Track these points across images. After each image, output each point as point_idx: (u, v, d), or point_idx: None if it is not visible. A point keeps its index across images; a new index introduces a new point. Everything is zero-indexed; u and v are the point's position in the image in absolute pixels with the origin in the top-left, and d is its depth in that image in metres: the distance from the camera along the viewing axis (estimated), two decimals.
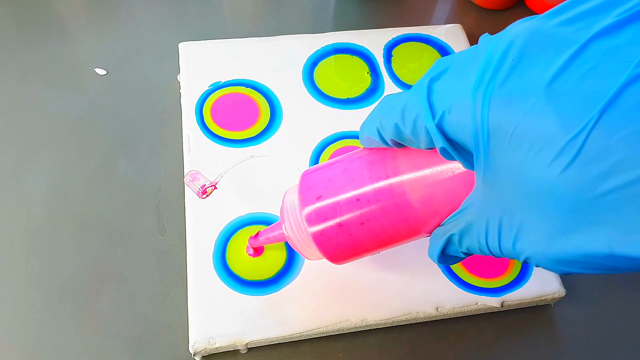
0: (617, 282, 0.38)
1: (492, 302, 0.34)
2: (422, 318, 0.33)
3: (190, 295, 0.32)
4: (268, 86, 0.41)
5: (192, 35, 0.45)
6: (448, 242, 0.24)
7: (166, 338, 0.33)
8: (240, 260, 0.34)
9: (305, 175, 0.28)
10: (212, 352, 0.32)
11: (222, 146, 0.38)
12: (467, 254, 0.24)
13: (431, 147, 0.21)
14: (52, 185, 0.38)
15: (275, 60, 0.42)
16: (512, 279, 0.34)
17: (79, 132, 0.40)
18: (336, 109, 0.40)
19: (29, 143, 0.40)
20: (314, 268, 0.34)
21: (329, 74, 0.42)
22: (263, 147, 0.38)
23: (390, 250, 0.34)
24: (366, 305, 0.33)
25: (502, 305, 0.34)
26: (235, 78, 0.41)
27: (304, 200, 0.27)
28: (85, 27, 0.46)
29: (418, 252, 0.35)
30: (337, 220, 0.26)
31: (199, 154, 0.37)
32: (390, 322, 0.33)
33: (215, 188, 0.34)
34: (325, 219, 0.26)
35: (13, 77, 0.43)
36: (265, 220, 0.35)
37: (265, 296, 0.33)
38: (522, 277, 0.34)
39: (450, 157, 0.21)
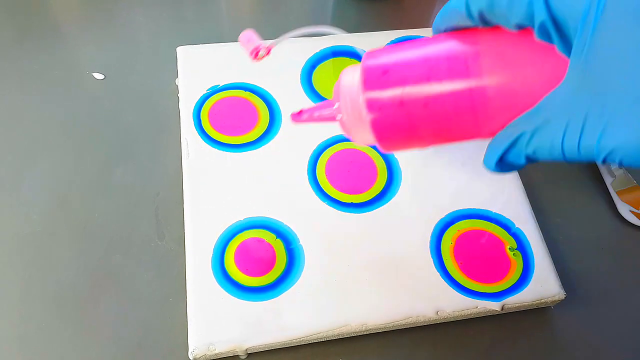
0: (617, 285, 0.38)
1: (492, 305, 0.33)
2: (422, 322, 0.33)
3: (190, 301, 0.32)
4: (267, 89, 0.41)
5: (190, 39, 0.45)
6: (513, 143, 0.22)
7: (166, 344, 0.33)
8: (240, 264, 0.34)
9: (371, 52, 0.25)
10: (211, 358, 0.32)
11: (221, 151, 0.38)
12: (529, 160, 0.22)
13: (522, 26, 0.20)
14: (51, 191, 0.38)
15: (274, 63, 0.42)
16: (512, 284, 0.34)
17: (77, 137, 0.40)
18: None
19: (26, 149, 0.40)
20: (314, 273, 0.34)
21: (327, 78, 0.42)
22: (262, 151, 0.38)
23: (391, 254, 0.34)
24: (366, 310, 0.33)
25: (502, 309, 0.34)
26: (233, 82, 0.41)
27: (367, 73, 0.24)
28: (83, 32, 0.46)
29: (423, 257, 0.35)
30: (400, 93, 0.23)
31: (198, 158, 0.37)
32: (391, 326, 0.33)
33: (269, 54, 0.31)
34: (388, 95, 0.23)
35: (11, 83, 0.43)
36: (265, 225, 0.35)
37: (264, 302, 0.33)
38: (522, 281, 0.34)
39: (546, 38, 0.19)
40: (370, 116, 0.24)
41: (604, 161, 0.20)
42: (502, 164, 0.23)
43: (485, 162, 0.24)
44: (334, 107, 0.27)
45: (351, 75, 0.25)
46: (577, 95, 0.20)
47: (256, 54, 0.31)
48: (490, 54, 0.22)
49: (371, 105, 0.24)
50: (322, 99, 0.41)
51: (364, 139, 0.26)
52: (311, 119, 0.29)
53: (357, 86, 0.24)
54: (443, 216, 0.36)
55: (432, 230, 0.36)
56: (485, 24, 0.22)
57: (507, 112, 0.22)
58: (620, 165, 0.19)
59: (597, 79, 0.19)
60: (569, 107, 0.20)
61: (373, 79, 0.24)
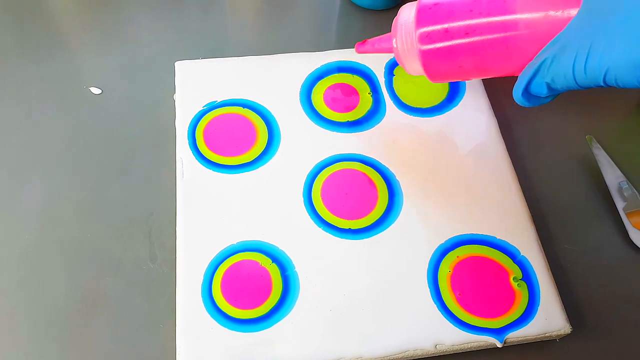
0: (627, 316, 0.36)
1: (493, 340, 0.32)
2: (419, 355, 0.32)
3: (179, 330, 0.31)
4: (266, 107, 0.40)
5: (191, 53, 0.44)
6: (536, 71, 0.27)
7: None
8: (228, 292, 0.33)
9: None
10: None
11: (216, 172, 0.37)
12: (550, 90, 0.27)
13: None
14: (43, 209, 0.37)
15: (274, 79, 0.41)
16: (515, 318, 0.33)
17: (72, 153, 0.40)
18: (336, 132, 0.39)
19: (19, 165, 0.39)
20: (309, 302, 0.33)
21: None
22: (259, 172, 0.37)
23: (388, 283, 0.33)
24: (362, 342, 0.32)
25: (504, 342, 0.32)
26: (231, 98, 0.40)
27: (421, 9, 0.30)
28: (82, 46, 0.46)
29: (420, 286, 0.33)
30: (446, 25, 0.29)
31: (193, 179, 0.36)
32: (387, 359, 0.32)
33: None
34: (436, 22, 0.29)
35: (6, 96, 0.42)
36: (260, 249, 0.34)
37: (256, 332, 0.31)
38: (526, 315, 0.33)
39: None
40: (420, 46, 0.30)
41: (605, 83, 0.24)
42: (528, 95, 0.28)
43: (514, 93, 0.29)
44: (393, 41, 0.33)
45: (407, 11, 0.32)
46: (587, 23, 0.24)
47: None
48: None
49: (422, 36, 0.30)
50: (322, 119, 0.40)
51: (414, 68, 0.33)
52: (372, 49, 0.35)
53: (412, 21, 0.31)
54: (442, 242, 0.35)
55: (429, 258, 0.34)
56: None
57: (534, 45, 0.27)
58: (617, 85, 0.24)
59: (602, 7, 0.23)
60: (580, 35, 0.24)
61: (425, 13, 0.30)
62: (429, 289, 0.33)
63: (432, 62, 0.30)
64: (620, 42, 0.23)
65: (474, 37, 0.28)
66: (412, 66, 0.33)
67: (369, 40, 0.35)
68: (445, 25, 0.29)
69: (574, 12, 0.25)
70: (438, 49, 0.30)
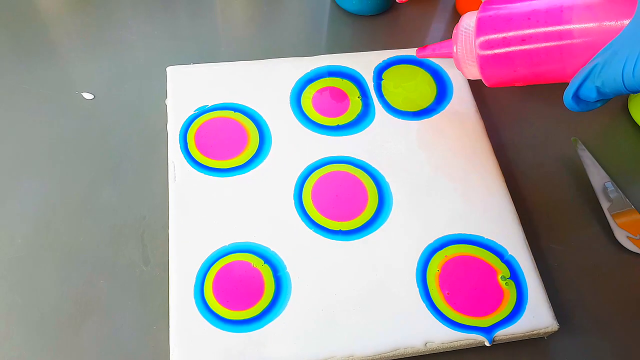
0: (613, 314, 0.37)
1: (482, 339, 0.33)
2: (410, 353, 0.33)
3: (172, 330, 0.32)
4: (257, 110, 0.40)
5: (182, 59, 0.45)
6: (587, 75, 0.28)
7: None
8: (220, 294, 0.33)
9: (485, 3, 0.33)
10: None
11: (207, 175, 0.37)
12: (598, 96, 0.29)
13: None
14: (35, 213, 0.37)
15: (264, 84, 0.42)
16: (504, 316, 0.33)
17: (64, 158, 0.40)
18: (326, 136, 0.40)
19: (11, 169, 0.39)
20: (301, 302, 0.33)
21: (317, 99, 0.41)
22: (250, 175, 0.38)
23: (378, 282, 0.33)
24: (353, 341, 0.32)
25: (493, 341, 0.33)
26: (222, 102, 0.41)
27: (481, 18, 0.32)
28: (74, 51, 0.46)
29: (409, 286, 0.34)
30: (504, 33, 0.31)
31: (185, 182, 0.37)
32: (378, 358, 0.32)
33: None
34: (495, 30, 0.31)
35: (0, 100, 0.42)
36: (253, 250, 0.35)
37: (249, 333, 0.32)
38: (514, 314, 0.33)
39: None
40: (479, 51, 0.32)
41: None
42: (578, 99, 0.30)
43: (565, 97, 0.30)
44: (453, 47, 0.35)
45: (468, 19, 0.33)
46: (638, 30, 0.26)
47: None
48: (580, 6, 0.29)
49: (481, 43, 0.32)
50: (311, 121, 0.40)
51: (472, 73, 0.34)
52: (433, 54, 0.37)
53: (472, 29, 0.32)
54: (431, 242, 0.36)
55: (418, 257, 0.35)
56: None
57: (587, 52, 0.29)
58: None
59: None
60: (632, 42, 0.26)
61: (485, 22, 0.32)
62: (417, 289, 0.34)
63: (489, 67, 0.32)
64: None
65: (530, 44, 0.30)
66: (470, 70, 0.34)
67: (430, 45, 0.37)
68: (504, 34, 0.31)
69: (626, 21, 0.27)
70: (495, 54, 0.32)
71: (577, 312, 0.36)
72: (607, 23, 0.28)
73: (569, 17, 0.29)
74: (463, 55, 0.34)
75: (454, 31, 0.35)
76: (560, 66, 0.30)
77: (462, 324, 0.33)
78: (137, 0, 0.50)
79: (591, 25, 0.28)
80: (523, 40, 0.30)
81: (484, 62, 0.33)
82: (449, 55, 0.36)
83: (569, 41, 0.29)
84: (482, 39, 0.32)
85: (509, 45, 0.31)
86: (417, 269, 0.34)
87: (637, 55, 0.26)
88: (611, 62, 0.27)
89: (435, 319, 0.33)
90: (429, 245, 0.35)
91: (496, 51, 0.32)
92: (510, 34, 0.31)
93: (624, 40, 0.27)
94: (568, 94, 0.30)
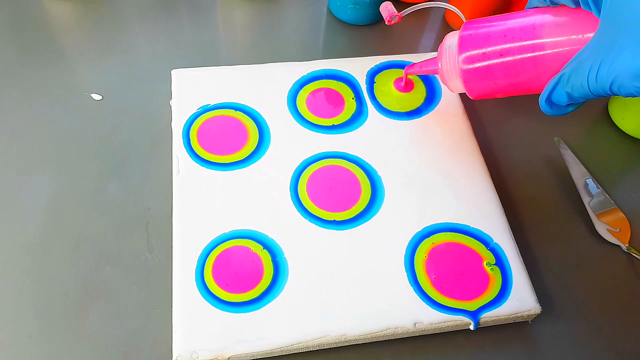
0: (593, 300, 0.38)
1: (468, 320, 0.34)
2: (400, 334, 0.34)
3: (175, 311, 0.34)
4: (256, 109, 0.43)
5: (186, 62, 0.47)
6: (558, 81, 0.31)
7: (151, 353, 0.34)
8: (221, 276, 0.35)
9: (467, 23, 0.36)
10: None
11: (208, 169, 0.39)
12: (569, 100, 0.32)
13: (577, 5, 0.31)
14: (46, 204, 0.39)
15: (264, 85, 0.44)
16: (489, 300, 0.35)
17: (73, 153, 0.42)
18: (322, 134, 0.42)
19: (24, 163, 0.41)
20: (297, 285, 0.35)
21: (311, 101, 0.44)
22: (250, 170, 0.40)
23: (370, 267, 0.35)
24: (345, 321, 0.34)
25: (479, 323, 0.35)
26: (224, 101, 0.43)
27: (463, 37, 0.35)
28: (84, 54, 0.49)
29: (398, 270, 0.36)
30: (484, 49, 0.34)
31: (188, 175, 0.39)
32: (370, 337, 0.34)
33: (400, 20, 0.41)
34: (475, 46, 0.34)
35: (12, 100, 0.45)
36: (252, 236, 0.36)
37: (247, 313, 0.34)
38: (500, 297, 0.35)
39: (586, 7, 0.30)
40: (462, 66, 0.35)
41: (611, 91, 0.28)
42: (551, 103, 0.33)
43: (540, 101, 0.33)
44: (438, 64, 0.38)
45: (451, 38, 0.37)
46: (601, 41, 0.29)
47: (390, 20, 0.41)
48: (551, 22, 0.32)
49: (464, 59, 0.35)
50: (305, 121, 0.42)
51: (456, 86, 0.38)
52: (420, 71, 0.41)
53: (455, 46, 0.36)
54: (419, 229, 0.38)
55: (407, 244, 0.37)
56: (553, 4, 0.33)
57: (558, 63, 0.32)
58: (620, 94, 0.28)
59: (613, 27, 0.27)
60: (595, 51, 0.29)
61: (466, 39, 0.35)
62: (405, 273, 0.36)
63: (472, 80, 0.35)
64: (624, 56, 0.27)
65: (507, 57, 0.33)
66: (455, 84, 0.37)
67: (417, 63, 0.41)
68: (484, 49, 0.34)
69: (591, 34, 0.30)
70: (477, 68, 0.35)
71: (559, 299, 0.38)
72: (574, 37, 0.31)
73: (540, 32, 0.32)
74: (448, 70, 0.37)
75: (438, 49, 0.38)
76: (535, 75, 0.33)
77: (449, 306, 0.35)
78: (143, 8, 0.53)
79: (560, 39, 0.31)
80: (501, 54, 0.33)
81: (467, 76, 0.35)
82: (434, 72, 0.39)
83: (541, 53, 0.32)
84: (464, 55, 0.35)
85: (488, 59, 0.34)
86: (405, 255, 0.36)
87: (599, 63, 0.28)
88: (578, 70, 0.30)
89: (423, 302, 0.35)
90: (417, 233, 0.37)
91: (477, 65, 0.35)
92: (489, 49, 0.34)
93: (589, 52, 0.30)
94: (542, 98, 0.33)
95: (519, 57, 0.33)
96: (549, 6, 0.33)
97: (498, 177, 0.43)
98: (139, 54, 0.49)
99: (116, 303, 0.36)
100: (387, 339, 0.35)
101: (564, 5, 0.32)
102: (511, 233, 0.38)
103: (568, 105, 0.33)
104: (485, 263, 0.37)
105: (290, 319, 0.34)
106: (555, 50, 0.32)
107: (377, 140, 0.42)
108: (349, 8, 0.52)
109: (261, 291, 0.34)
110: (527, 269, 0.37)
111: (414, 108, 0.44)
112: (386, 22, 0.42)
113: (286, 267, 0.35)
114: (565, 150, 0.45)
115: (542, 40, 0.32)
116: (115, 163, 0.42)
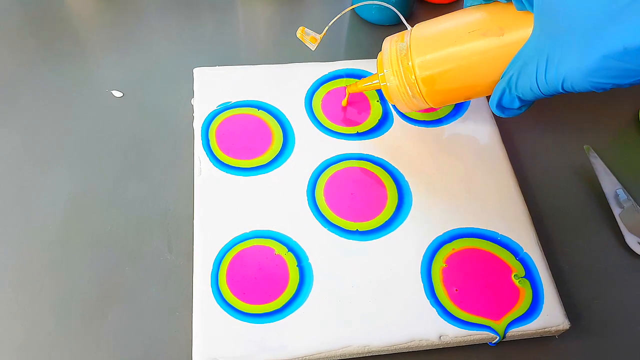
0: (622, 316, 0.37)
1: (494, 336, 0.33)
2: (424, 346, 0.33)
3: (195, 317, 0.33)
4: (280, 109, 0.42)
5: (207, 60, 0.46)
6: (505, 87, 0.31)
7: (170, 357, 0.33)
8: (236, 283, 0.34)
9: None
10: None
11: (229, 174, 0.38)
12: (521, 102, 0.31)
13: (509, 1, 0.30)
14: (67, 203, 0.39)
15: (286, 85, 0.43)
16: (518, 316, 0.34)
17: (94, 151, 0.42)
18: (345, 141, 0.41)
19: (45, 161, 0.41)
20: (321, 294, 0.34)
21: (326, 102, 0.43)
22: (272, 175, 0.39)
23: (393, 276, 0.34)
24: (369, 332, 0.33)
25: (504, 336, 0.34)
26: (246, 99, 0.42)
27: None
28: (105, 52, 0.48)
29: (414, 281, 0.35)
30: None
31: (210, 176, 0.38)
32: (393, 349, 0.33)
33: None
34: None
35: (34, 97, 0.44)
36: (275, 237, 0.36)
37: (269, 323, 0.33)
38: (529, 313, 0.34)
39: (521, 6, 0.29)
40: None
41: (563, 89, 0.27)
42: (502, 107, 0.32)
43: (490, 104, 0.33)
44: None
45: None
46: (540, 40, 0.28)
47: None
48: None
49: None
50: (318, 123, 0.41)
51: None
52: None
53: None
54: (440, 234, 0.36)
55: (424, 251, 0.36)
56: (486, 1, 0.32)
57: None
58: (574, 91, 0.27)
59: (551, 26, 0.27)
60: (537, 51, 0.28)
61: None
62: (422, 284, 0.35)
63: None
64: (571, 54, 0.26)
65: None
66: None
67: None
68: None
69: (530, 30, 0.29)
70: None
71: (586, 314, 0.37)
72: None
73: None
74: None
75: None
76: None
77: (472, 322, 0.33)
78: (164, 5, 0.52)
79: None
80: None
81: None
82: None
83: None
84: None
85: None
86: (422, 263, 0.35)
87: (545, 63, 0.27)
88: (524, 73, 0.29)
89: (442, 318, 0.33)
90: (436, 238, 0.36)
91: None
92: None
93: (530, 50, 0.28)
94: (492, 103, 0.32)
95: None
96: (482, 4, 0.32)
97: (525, 185, 0.42)
98: (159, 51, 0.48)
99: (135, 304, 0.35)
100: (410, 350, 0.34)
101: (497, 1, 0.32)
102: (540, 245, 0.37)
103: (521, 107, 0.32)
104: (513, 275, 0.35)
105: (313, 327, 0.33)
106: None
107: (402, 145, 0.41)
108: (374, 8, 0.50)
109: (285, 300, 0.33)
110: (555, 282, 0.36)
111: (440, 117, 0.43)
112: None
113: (312, 274, 0.35)
114: (595, 159, 0.43)
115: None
116: (136, 161, 0.41)
